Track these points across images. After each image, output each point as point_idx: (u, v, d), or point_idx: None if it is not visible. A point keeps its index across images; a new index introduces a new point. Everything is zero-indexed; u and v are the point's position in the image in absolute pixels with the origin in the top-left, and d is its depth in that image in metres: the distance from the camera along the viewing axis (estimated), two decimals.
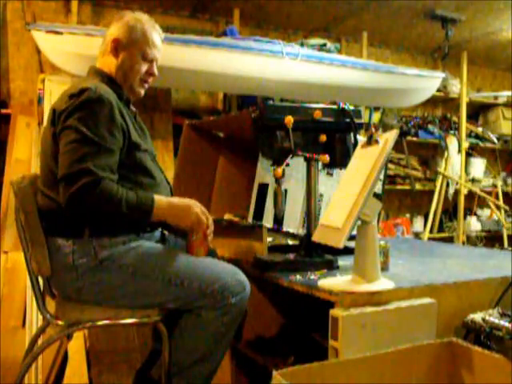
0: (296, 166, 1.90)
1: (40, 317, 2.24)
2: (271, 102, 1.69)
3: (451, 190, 4.71)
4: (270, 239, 2.02)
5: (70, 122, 1.48)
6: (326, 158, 1.72)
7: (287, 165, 1.73)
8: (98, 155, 1.45)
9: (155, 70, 1.74)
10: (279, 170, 1.68)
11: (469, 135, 5.01)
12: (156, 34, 1.72)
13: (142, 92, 1.75)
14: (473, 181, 4.97)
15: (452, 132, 4.77)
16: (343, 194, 1.55)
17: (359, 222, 1.45)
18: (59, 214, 1.51)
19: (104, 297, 1.53)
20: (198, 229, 1.58)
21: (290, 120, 1.63)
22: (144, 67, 1.70)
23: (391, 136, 1.49)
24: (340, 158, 1.77)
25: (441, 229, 4.82)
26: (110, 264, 1.50)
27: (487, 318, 1.39)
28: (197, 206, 1.58)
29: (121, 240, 1.53)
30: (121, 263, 1.50)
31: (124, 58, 1.67)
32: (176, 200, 1.59)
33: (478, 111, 5.27)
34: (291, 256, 1.77)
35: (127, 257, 1.51)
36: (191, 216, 1.56)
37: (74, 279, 1.50)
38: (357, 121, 1.76)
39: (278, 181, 1.72)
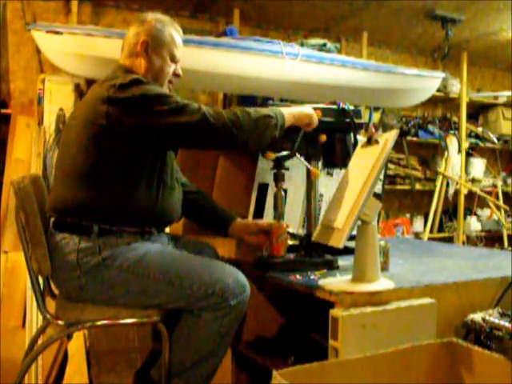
0: (296, 167, 1.90)
1: (40, 317, 2.25)
2: (271, 102, 1.69)
3: (451, 190, 4.70)
4: None
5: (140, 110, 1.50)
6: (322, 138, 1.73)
7: (287, 169, 1.75)
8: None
9: (180, 71, 1.77)
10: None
11: (469, 135, 5.00)
12: (178, 35, 1.75)
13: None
14: (473, 181, 4.97)
15: (452, 132, 4.77)
16: (343, 194, 1.55)
17: (359, 222, 1.45)
18: (73, 210, 1.52)
19: (105, 296, 1.53)
20: (312, 125, 1.68)
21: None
22: (172, 68, 1.73)
23: (391, 136, 1.50)
24: (340, 158, 1.77)
25: (441, 229, 4.81)
26: (111, 263, 1.50)
27: (487, 317, 1.39)
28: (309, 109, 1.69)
29: (126, 241, 1.53)
30: (122, 262, 1.50)
31: (154, 60, 1.68)
32: (295, 108, 1.68)
33: (478, 111, 5.26)
34: (291, 256, 1.77)
35: (129, 256, 1.51)
36: (310, 116, 1.67)
37: (76, 277, 1.50)
38: (357, 121, 1.76)
39: (277, 183, 1.72)
